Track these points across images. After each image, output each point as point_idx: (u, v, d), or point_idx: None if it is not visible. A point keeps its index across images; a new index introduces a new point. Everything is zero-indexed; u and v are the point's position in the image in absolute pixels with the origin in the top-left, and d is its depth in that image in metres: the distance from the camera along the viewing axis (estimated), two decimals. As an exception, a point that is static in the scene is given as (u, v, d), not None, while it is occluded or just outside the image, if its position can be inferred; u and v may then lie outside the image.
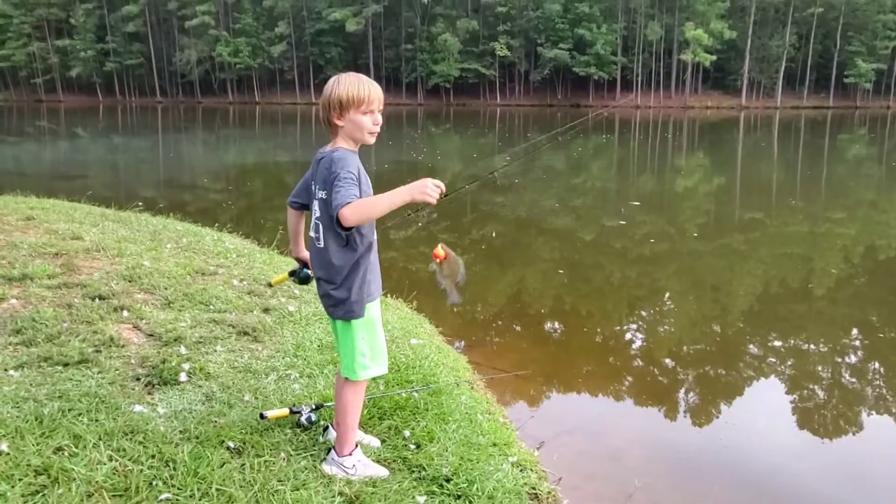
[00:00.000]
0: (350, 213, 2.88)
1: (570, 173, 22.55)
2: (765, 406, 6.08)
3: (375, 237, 3.32)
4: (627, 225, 13.49)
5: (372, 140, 3.20)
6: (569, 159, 26.39)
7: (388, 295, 7.48)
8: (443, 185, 2.99)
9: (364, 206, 2.91)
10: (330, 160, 3.07)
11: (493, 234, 12.72)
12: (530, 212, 15.05)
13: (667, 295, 9.13)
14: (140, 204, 12.08)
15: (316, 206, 3.21)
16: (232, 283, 6.31)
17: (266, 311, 5.68)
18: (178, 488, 3.22)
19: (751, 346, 7.32)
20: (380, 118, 3.19)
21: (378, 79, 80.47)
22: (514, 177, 20.21)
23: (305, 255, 3.56)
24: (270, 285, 4.67)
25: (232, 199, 16.35)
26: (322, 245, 3.19)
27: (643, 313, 8.42)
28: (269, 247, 8.82)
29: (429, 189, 2.93)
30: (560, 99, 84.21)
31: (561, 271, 10.18)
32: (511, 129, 44.24)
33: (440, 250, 3.31)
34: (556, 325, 7.95)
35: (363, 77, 3.16)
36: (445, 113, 67.52)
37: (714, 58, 76.52)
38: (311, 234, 3.29)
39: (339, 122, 3.15)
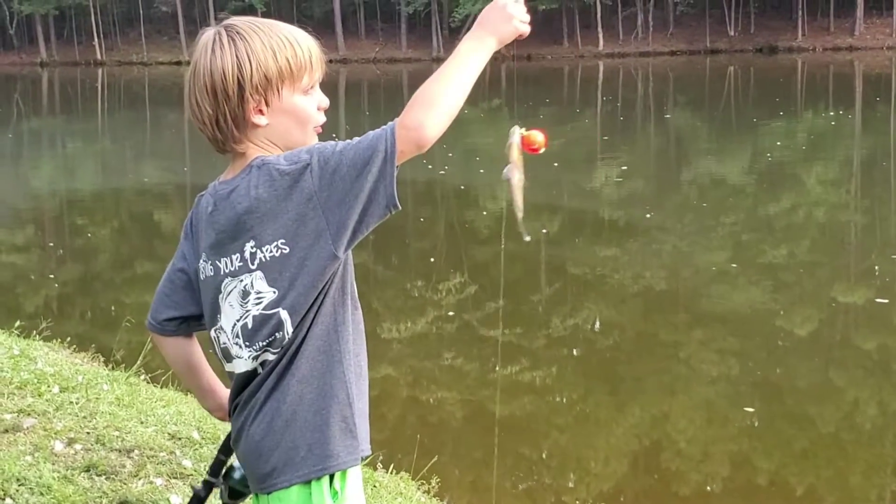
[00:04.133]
0: (417, 114, 1.76)
1: (760, 194, 14.38)
2: None
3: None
4: (894, 304, 8.38)
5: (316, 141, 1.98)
6: (756, 163, 17.14)
7: (379, 460, 4.62)
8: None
9: (431, 90, 1.79)
10: (268, 176, 1.84)
11: (597, 326, 8.21)
12: (676, 277, 9.61)
13: None
14: None
15: (256, 281, 1.87)
16: (51, 447, 4.05)
17: (124, 508, 3.61)
18: None
19: None
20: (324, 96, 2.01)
21: (348, 16, 63.50)
22: (638, 204, 13.49)
23: None
24: None
25: (51, 268, 10.31)
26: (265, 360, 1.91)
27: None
28: (128, 368, 5.41)
29: (516, 11, 1.87)
30: (734, 37, 57.29)
31: (749, 409, 6.15)
32: (630, 101, 29.05)
33: (536, 134, 2.00)
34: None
35: (274, 23, 1.97)
36: (492, 73, 48.46)
37: None
38: (232, 365, 1.95)
39: (259, 119, 1.91)
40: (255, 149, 1.95)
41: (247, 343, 1.91)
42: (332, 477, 1.90)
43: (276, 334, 1.88)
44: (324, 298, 1.89)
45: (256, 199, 1.87)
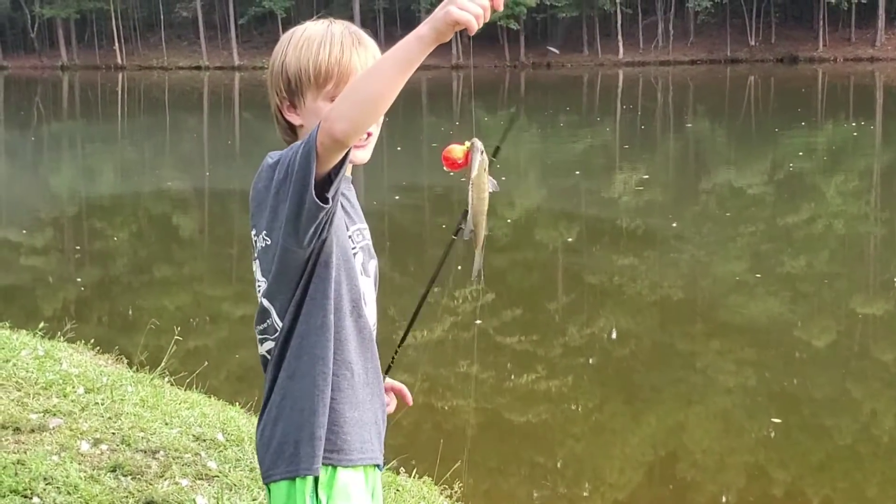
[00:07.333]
0: (334, 107, 1.73)
1: (780, 204, 14.28)
2: None
3: (373, 323, 1.97)
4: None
5: (364, 154, 1.96)
6: (776, 173, 17.17)
7: (399, 466, 4.51)
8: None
9: (353, 83, 1.77)
10: (263, 168, 1.89)
11: (614, 335, 8.05)
12: (694, 287, 9.41)
13: None
14: None
15: (257, 270, 1.93)
16: (77, 447, 4.04)
17: (150, 507, 3.61)
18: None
19: None
20: None
21: (367, 23, 62.10)
22: (658, 212, 13.37)
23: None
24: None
25: (74, 271, 10.24)
26: (268, 348, 1.94)
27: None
28: (152, 370, 5.36)
29: (461, 5, 1.66)
30: (755, 46, 57.15)
31: (766, 419, 6.04)
32: (650, 110, 29.06)
33: (456, 149, 2.00)
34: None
35: (337, 26, 1.94)
36: (511, 80, 44.09)
37: None
38: (260, 341, 1.95)
39: (293, 118, 1.96)
40: None
41: (256, 325, 1.95)
42: (317, 480, 1.84)
43: (267, 321, 1.90)
44: (303, 297, 1.84)
45: (255, 190, 1.90)
